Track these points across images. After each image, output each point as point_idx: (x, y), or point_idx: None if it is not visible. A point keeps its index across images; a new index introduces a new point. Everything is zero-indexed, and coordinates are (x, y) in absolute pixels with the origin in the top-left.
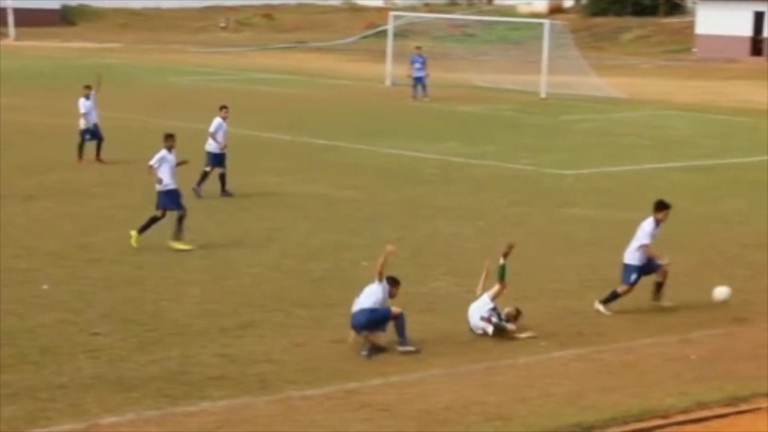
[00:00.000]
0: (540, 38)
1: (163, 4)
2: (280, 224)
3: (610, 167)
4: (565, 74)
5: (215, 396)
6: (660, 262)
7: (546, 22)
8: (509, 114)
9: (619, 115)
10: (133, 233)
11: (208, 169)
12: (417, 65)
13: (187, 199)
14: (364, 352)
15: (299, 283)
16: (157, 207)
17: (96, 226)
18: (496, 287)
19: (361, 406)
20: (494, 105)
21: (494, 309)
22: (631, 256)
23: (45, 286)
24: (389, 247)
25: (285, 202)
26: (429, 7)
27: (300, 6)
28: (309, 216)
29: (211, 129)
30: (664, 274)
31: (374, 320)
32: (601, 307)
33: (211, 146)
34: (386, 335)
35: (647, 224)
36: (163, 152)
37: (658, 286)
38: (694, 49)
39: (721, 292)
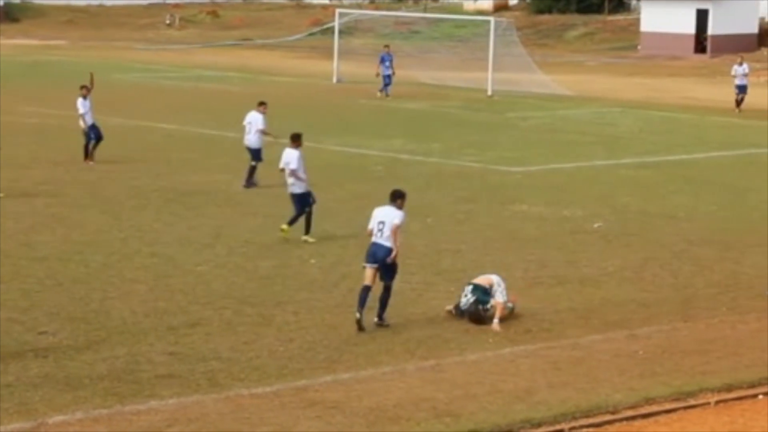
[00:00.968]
0: (486, 36)
1: (107, 2)
2: (227, 222)
3: (556, 164)
4: (511, 71)
5: (164, 394)
6: None
7: (491, 19)
8: (455, 111)
9: (566, 112)
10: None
11: (254, 163)
12: (387, 63)
13: (132, 198)
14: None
15: (247, 280)
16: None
17: (41, 225)
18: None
19: (311, 403)
20: (441, 102)
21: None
22: None
23: None
24: None
25: (232, 200)
26: (375, 5)
27: (245, 3)
28: (256, 213)
29: (260, 126)
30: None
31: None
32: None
33: (254, 141)
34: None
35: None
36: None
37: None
38: (639, 47)
39: None
